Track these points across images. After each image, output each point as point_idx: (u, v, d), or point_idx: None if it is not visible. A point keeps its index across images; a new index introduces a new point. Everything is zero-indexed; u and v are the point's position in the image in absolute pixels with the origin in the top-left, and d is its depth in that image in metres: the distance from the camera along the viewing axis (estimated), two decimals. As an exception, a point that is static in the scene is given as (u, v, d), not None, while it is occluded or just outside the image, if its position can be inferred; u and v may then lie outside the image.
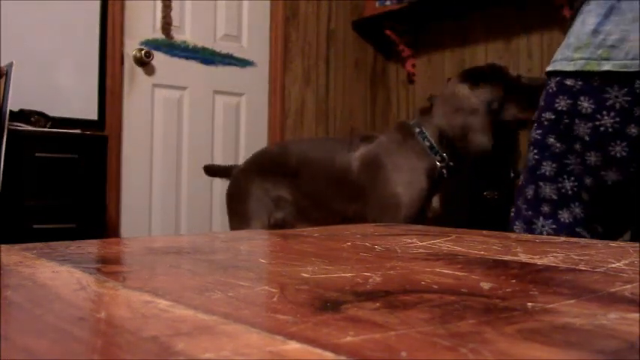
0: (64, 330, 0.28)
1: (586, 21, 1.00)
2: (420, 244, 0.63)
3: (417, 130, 1.64)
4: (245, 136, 3.08)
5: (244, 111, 3.10)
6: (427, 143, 1.61)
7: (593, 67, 0.97)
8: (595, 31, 0.98)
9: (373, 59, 3.53)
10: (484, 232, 0.76)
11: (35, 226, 2.06)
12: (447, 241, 0.64)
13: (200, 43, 2.93)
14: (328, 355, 0.24)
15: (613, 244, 0.64)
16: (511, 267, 0.49)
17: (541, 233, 1.07)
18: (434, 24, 3.21)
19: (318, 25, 3.34)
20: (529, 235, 0.74)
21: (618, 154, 0.96)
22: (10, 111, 2.01)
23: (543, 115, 1.04)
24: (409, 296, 0.36)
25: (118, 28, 2.67)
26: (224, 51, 3.01)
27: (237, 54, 3.06)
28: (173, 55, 2.85)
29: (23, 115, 2.22)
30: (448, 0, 2.98)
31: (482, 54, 3.02)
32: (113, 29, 2.65)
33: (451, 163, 1.62)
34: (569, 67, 1.01)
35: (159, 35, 2.81)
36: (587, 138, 0.98)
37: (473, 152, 1.61)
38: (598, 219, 1.04)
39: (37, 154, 2.09)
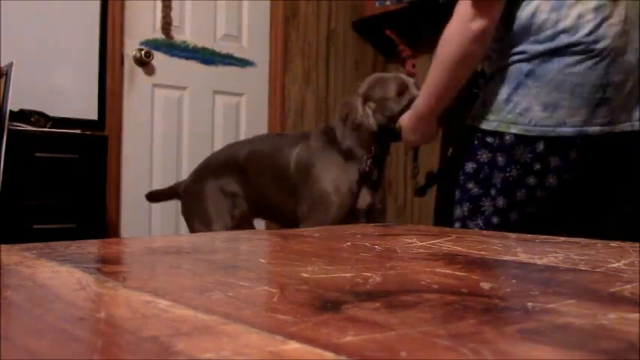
0: (64, 330, 0.28)
1: (499, 90, 1.22)
2: (420, 244, 0.63)
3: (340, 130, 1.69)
4: (245, 136, 3.08)
5: (244, 111, 3.10)
6: (348, 142, 1.66)
7: (504, 128, 1.20)
8: (507, 100, 1.21)
9: (373, 59, 3.53)
10: (484, 232, 0.76)
11: (35, 226, 2.06)
12: (447, 241, 0.64)
13: (200, 43, 2.93)
14: (328, 355, 0.24)
15: (613, 244, 0.64)
16: (511, 267, 0.49)
17: None
18: (434, 24, 3.20)
19: (318, 25, 3.34)
20: (529, 235, 0.74)
21: (519, 199, 1.21)
22: (10, 111, 2.01)
23: (467, 164, 1.27)
24: (409, 296, 0.36)
25: (118, 28, 2.67)
26: (224, 51, 3.01)
27: (237, 54, 3.06)
28: (173, 55, 2.85)
29: (23, 115, 2.22)
30: (448, 0, 2.97)
31: (482, 54, 3.02)
32: (113, 29, 2.65)
33: (373, 151, 1.65)
34: (486, 125, 1.23)
35: (159, 35, 2.80)
36: (499, 185, 1.21)
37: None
38: None
39: (37, 154, 2.09)
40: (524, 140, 1.18)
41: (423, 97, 1.33)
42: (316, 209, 1.62)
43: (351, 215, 1.64)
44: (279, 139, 1.82)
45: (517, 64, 1.21)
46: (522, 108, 1.18)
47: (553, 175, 1.18)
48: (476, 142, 1.26)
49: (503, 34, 1.23)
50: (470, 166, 1.27)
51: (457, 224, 1.29)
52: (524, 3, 1.20)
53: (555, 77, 1.16)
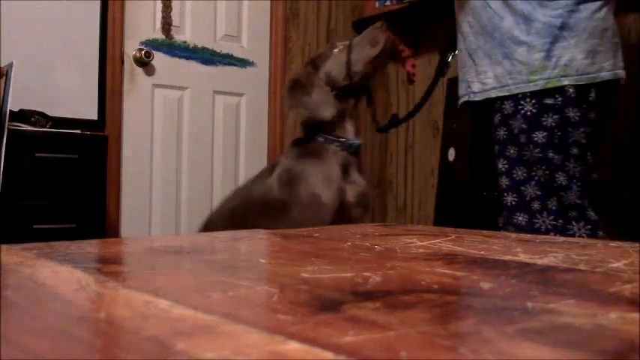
0: (64, 330, 0.28)
1: (532, 50, 1.23)
2: (420, 244, 0.63)
3: (309, 134, 1.69)
4: (245, 136, 3.08)
5: (244, 111, 3.09)
6: (321, 139, 1.65)
7: (555, 83, 1.20)
8: (547, 57, 1.21)
9: (373, 59, 3.53)
10: (484, 232, 0.76)
11: (35, 226, 2.06)
12: (447, 241, 0.64)
13: (200, 43, 2.93)
14: (328, 355, 0.24)
15: (613, 244, 0.64)
16: (511, 267, 0.49)
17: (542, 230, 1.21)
18: (434, 24, 3.21)
19: (318, 25, 3.34)
20: (529, 235, 0.74)
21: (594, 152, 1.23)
22: (10, 111, 2.01)
23: (534, 134, 1.23)
24: (409, 296, 0.36)
25: (118, 28, 2.67)
26: (224, 51, 3.01)
27: (237, 54, 3.06)
28: (173, 55, 2.85)
29: (23, 115, 2.22)
30: (448, 0, 2.98)
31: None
32: (113, 29, 2.65)
33: (343, 139, 1.65)
34: (527, 88, 1.23)
35: (159, 35, 2.80)
36: (583, 141, 1.21)
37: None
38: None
39: (37, 154, 2.09)
40: (577, 89, 1.20)
41: None
42: (307, 211, 1.61)
43: (341, 211, 1.64)
44: (259, 174, 1.81)
45: (543, 21, 1.22)
46: (567, 59, 1.20)
47: (599, 120, 1.21)
48: (533, 110, 1.24)
49: None
50: (502, 133, 1.27)
51: (510, 195, 1.28)
52: None
53: (587, 24, 1.20)
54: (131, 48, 2.72)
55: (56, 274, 0.43)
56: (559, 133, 1.21)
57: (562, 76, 1.20)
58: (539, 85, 1.22)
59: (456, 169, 2.67)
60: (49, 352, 0.24)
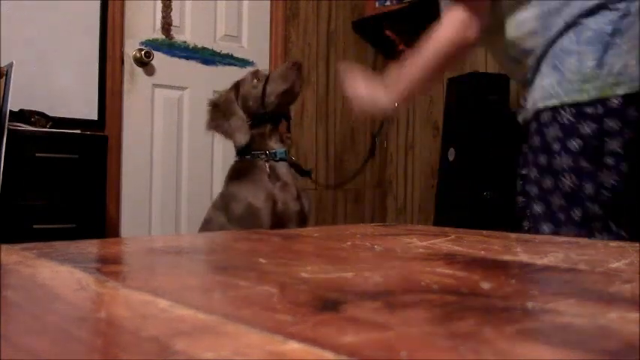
0: (64, 330, 0.28)
1: (583, 58, 1.19)
2: (420, 244, 0.63)
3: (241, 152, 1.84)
4: (245, 136, 3.08)
5: (244, 111, 3.09)
6: (248, 156, 1.80)
7: (608, 92, 1.17)
8: (598, 65, 1.18)
9: (373, 59, 3.53)
10: (484, 232, 0.76)
11: (35, 226, 2.06)
12: (447, 241, 0.64)
13: (200, 43, 2.93)
14: (328, 355, 0.24)
15: (613, 244, 0.64)
16: (511, 267, 0.49)
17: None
18: (434, 24, 3.20)
19: (318, 25, 3.34)
20: (529, 235, 0.74)
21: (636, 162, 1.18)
22: (10, 111, 2.01)
23: (569, 142, 1.20)
24: (409, 296, 0.36)
25: (118, 28, 2.67)
26: (224, 51, 3.01)
27: (237, 54, 3.05)
28: (173, 55, 2.85)
29: (23, 115, 2.22)
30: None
31: (482, 54, 3.02)
32: (113, 29, 2.65)
33: (267, 153, 1.80)
34: (581, 97, 1.19)
35: (159, 35, 2.80)
36: (620, 151, 1.17)
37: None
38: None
39: (37, 154, 2.09)
40: (630, 99, 1.16)
41: (405, 82, 1.34)
42: (245, 221, 1.70)
43: (277, 211, 1.73)
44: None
45: (594, 28, 1.19)
46: (620, 67, 1.17)
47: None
48: (571, 119, 1.21)
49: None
50: (537, 140, 1.24)
51: (538, 204, 1.25)
52: None
53: (637, 28, 1.16)
54: (131, 48, 2.72)
55: (56, 274, 0.43)
56: (595, 142, 1.18)
57: (614, 85, 1.17)
58: (591, 94, 1.19)
59: (456, 169, 2.67)
60: (49, 352, 0.24)
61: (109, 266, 0.48)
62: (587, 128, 1.18)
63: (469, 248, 0.59)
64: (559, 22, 1.23)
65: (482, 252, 0.57)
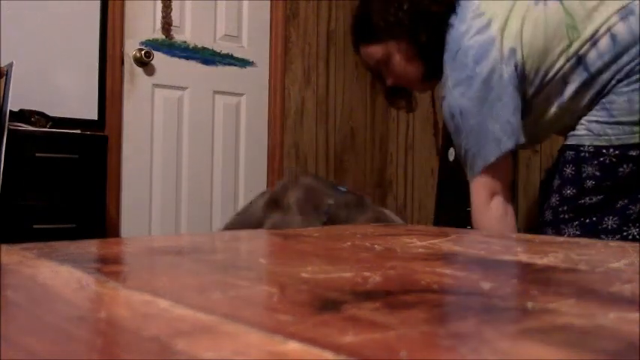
0: (64, 330, 0.28)
1: (633, 99, 1.18)
2: (420, 244, 0.62)
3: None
4: (245, 136, 3.08)
5: (244, 111, 3.09)
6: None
7: None
8: None
9: (373, 59, 3.53)
10: (484, 232, 0.76)
11: (35, 226, 2.06)
12: (447, 241, 0.64)
13: (200, 43, 2.93)
14: (328, 355, 0.24)
15: (613, 244, 0.64)
16: (511, 267, 0.49)
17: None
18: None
19: (318, 25, 3.34)
20: (529, 235, 0.74)
21: None
22: (10, 111, 2.01)
23: (604, 183, 1.20)
24: (409, 296, 0.36)
25: (118, 28, 2.67)
26: (224, 51, 3.01)
27: (237, 54, 3.06)
28: (173, 55, 2.85)
29: (23, 115, 2.22)
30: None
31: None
32: (113, 29, 2.65)
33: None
34: (634, 139, 1.18)
35: (159, 35, 2.80)
36: None
37: None
38: None
39: (37, 154, 2.09)
40: None
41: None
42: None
43: None
44: None
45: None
46: None
47: None
48: (614, 160, 1.20)
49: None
50: (570, 171, 1.24)
51: (549, 229, 1.25)
52: None
53: None
54: (131, 48, 2.72)
55: (56, 274, 0.43)
56: (630, 182, 1.17)
57: None
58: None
59: (456, 169, 2.67)
60: (49, 352, 0.24)
61: (109, 266, 0.48)
62: (625, 170, 1.18)
63: (469, 248, 0.59)
64: (604, 79, 1.21)
65: (482, 252, 0.57)
